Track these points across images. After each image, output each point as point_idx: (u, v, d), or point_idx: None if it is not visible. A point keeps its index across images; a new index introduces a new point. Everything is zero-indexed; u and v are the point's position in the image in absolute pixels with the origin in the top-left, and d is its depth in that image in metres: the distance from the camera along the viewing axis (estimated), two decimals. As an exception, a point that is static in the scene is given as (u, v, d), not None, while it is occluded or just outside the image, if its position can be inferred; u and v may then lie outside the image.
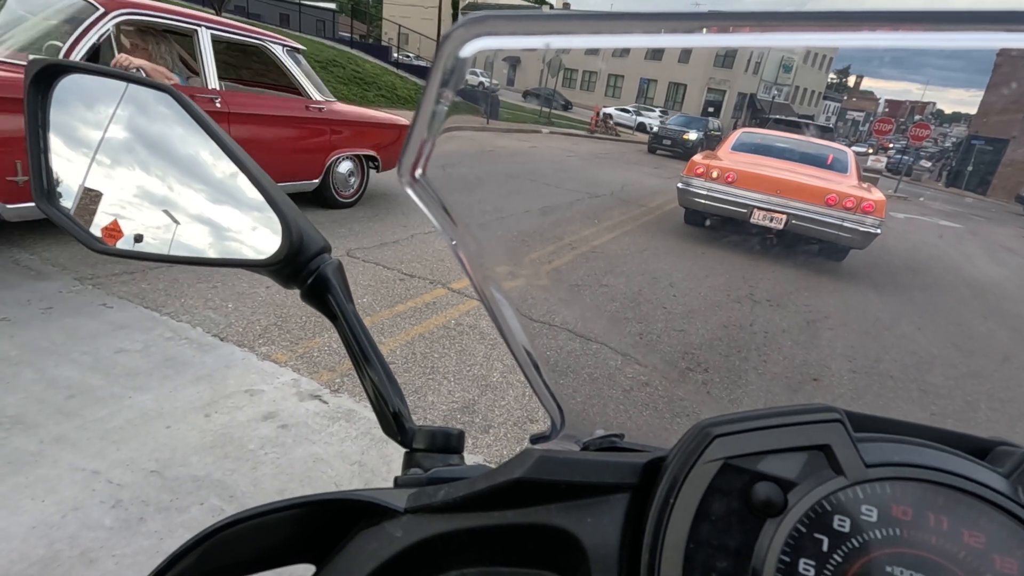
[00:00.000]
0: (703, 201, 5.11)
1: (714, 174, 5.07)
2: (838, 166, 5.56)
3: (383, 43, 24.15)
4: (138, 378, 2.09)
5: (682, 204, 5.35)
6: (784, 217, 4.84)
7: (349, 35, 21.12)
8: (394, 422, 0.43)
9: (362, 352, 0.44)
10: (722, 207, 5.06)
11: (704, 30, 0.29)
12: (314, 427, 2.01)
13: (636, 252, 5.18)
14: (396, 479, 0.40)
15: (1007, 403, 3.13)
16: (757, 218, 4.91)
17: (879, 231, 4.70)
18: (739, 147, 5.92)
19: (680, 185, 5.23)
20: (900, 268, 6.45)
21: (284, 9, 27.21)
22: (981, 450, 0.28)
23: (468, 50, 0.33)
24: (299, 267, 0.43)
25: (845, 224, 4.68)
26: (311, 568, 0.33)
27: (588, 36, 0.31)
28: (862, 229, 4.66)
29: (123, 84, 0.46)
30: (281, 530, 0.33)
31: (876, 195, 4.87)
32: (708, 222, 5.60)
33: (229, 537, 0.32)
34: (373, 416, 2.16)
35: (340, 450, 1.92)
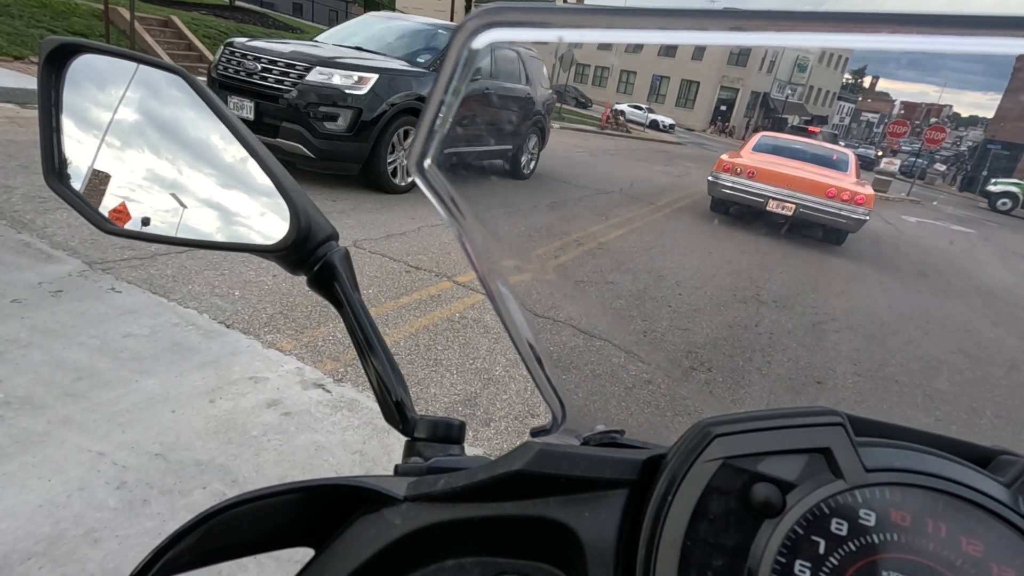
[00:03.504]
0: (728, 192, 6.13)
1: (738, 170, 6.08)
2: (841, 166, 6.64)
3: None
4: (145, 362, 2.11)
5: (711, 194, 6.35)
6: (793, 206, 5.86)
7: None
8: (396, 411, 0.43)
9: (366, 340, 0.44)
10: (744, 197, 6.08)
11: (719, 28, 0.29)
12: (317, 415, 2.02)
13: (643, 250, 5.17)
14: (396, 467, 0.40)
15: (1013, 411, 3.11)
16: (772, 207, 5.91)
17: (868, 218, 5.83)
18: (758, 148, 7.02)
19: (710, 178, 6.25)
20: (910, 272, 6.40)
21: (297, -2, 27.21)
22: (983, 458, 0.28)
23: (481, 41, 0.33)
24: (306, 254, 0.43)
25: (841, 212, 5.74)
26: (310, 552, 0.34)
27: (601, 30, 0.31)
28: (854, 216, 5.77)
29: (135, 65, 0.46)
30: (281, 513, 0.33)
31: (867, 190, 5.90)
32: (731, 210, 6.65)
33: (230, 518, 0.32)
34: (375, 406, 2.17)
35: (342, 439, 1.94)
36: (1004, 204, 15.47)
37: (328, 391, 2.18)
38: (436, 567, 0.31)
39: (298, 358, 2.35)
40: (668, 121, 25.69)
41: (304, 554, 0.34)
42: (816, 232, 6.14)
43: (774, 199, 5.88)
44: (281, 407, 2.03)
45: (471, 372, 2.54)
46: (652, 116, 24.95)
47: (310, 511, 0.34)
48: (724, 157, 6.33)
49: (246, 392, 2.07)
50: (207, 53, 10.59)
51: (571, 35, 0.31)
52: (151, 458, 1.67)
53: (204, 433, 1.82)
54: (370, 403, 2.15)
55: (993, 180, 16.65)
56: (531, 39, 0.32)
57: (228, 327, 2.48)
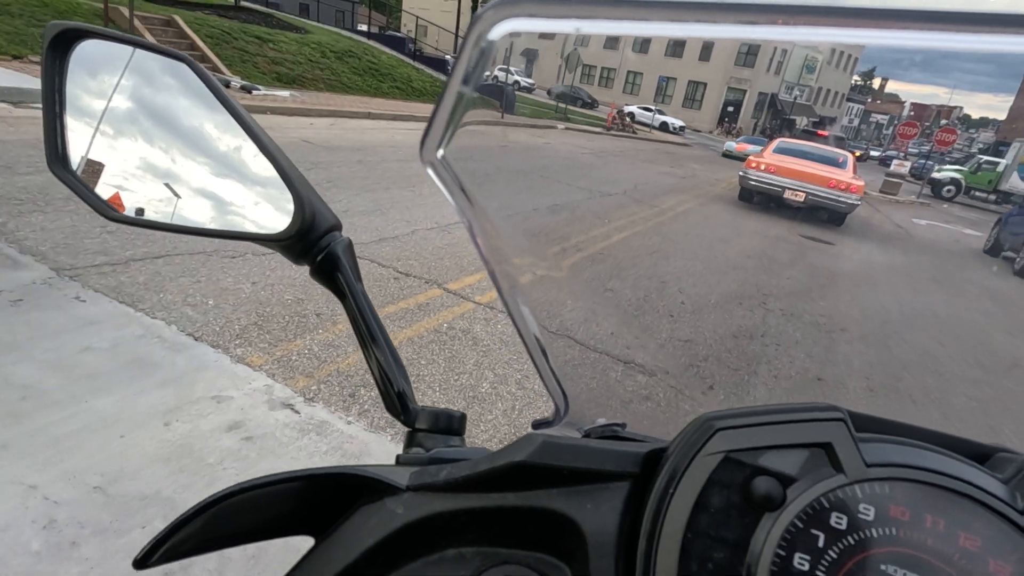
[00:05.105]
0: (754, 183, 7.94)
1: (762, 167, 7.88)
2: (841, 164, 8.63)
3: (400, 33, 23.99)
4: (100, 380, 1.97)
5: (741, 185, 8.24)
6: (804, 194, 7.60)
7: (367, 26, 21.02)
8: (398, 401, 0.43)
9: (369, 331, 0.44)
10: (766, 187, 7.92)
11: (733, 21, 0.29)
12: (282, 439, 1.87)
13: (646, 254, 5.03)
14: (398, 457, 0.40)
15: (1011, 409, 2.97)
16: (787, 195, 7.66)
17: (860, 203, 7.70)
18: (778, 151, 8.85)
19: (741, 173, 8.11)
20: (922, 279, 6.24)
21: (304, -2, 27.20)
22: (981, 455, 0.29)
23: (498, 32, 0.33)
24: (310, 244, 0.43)
25: (840, 199, 7.55)
26: (310, 540, 0.34)
27: (617, 22, 0.31)
28: (849, 201, 7.58)
29: (139, 51, 0.45)
30: (283, 501, 0.33)
31: (860, 182, 7.75)
32: (755, 199, 8.40)
33: (232, 506, 0.32)
34: (347, 429, 2.02)
35: (307, 466, 1.78)
36: (949, 191, 15.92)
37: (297, 411, 2.03)
38: (437, 556, 0.32)
39: (268, 374, 2.20)
40: (678, 123, 25.47)
41: (305, 542, 0.33)
42: (821, 215, 7.71)
43: (789, 189, 7.64)
44: (243, 430, 1.87)
45: (455, 389, 2.38)
46: (661, 118, 24.75)
47: (312, 499, 0.34)
48: (752, 157, 8.22)
49: (207, 413, 1.92)
50: (209, 53, 10.53)
51: (588, 26, 0.31)
52: (89, 491, 1.52)
53: (154, 460, 1.67)
54: (341, 426, 2.00)
55: (937, 168, 16.97)
56: (548, 30, 0.32)
57: (196, 339, 2.33)
